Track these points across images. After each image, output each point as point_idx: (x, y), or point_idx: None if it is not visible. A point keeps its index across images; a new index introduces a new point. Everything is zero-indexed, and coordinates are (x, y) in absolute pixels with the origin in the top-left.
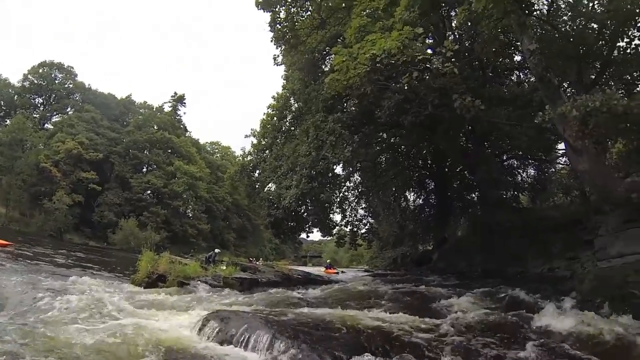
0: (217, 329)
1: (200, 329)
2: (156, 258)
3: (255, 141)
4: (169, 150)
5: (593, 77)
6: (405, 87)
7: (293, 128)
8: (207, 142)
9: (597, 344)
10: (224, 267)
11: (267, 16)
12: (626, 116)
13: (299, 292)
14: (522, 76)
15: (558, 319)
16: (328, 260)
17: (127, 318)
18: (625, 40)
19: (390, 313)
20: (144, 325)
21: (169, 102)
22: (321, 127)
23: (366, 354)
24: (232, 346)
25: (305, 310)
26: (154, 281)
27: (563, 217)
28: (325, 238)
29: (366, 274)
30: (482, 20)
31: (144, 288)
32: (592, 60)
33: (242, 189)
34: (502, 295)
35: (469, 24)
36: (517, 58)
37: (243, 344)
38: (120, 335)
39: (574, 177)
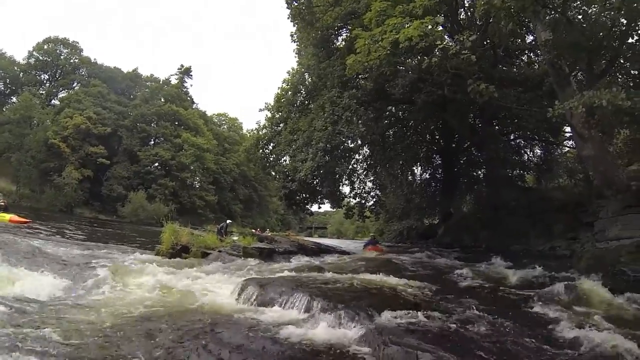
0: (255, 294)
1: (238, 294)
2: (177, 230)
3: (269, 115)
4: (176, 123)
5: (603, 67)
6: (423, 66)
7: (307, 102)
8: (214, 114)
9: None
10: (236, 238)
11: None
12: (631, 110)
13: (317, 260)
14: (533, 56)
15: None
16: (372, 234)
17: (165, 285)
18: (635, 37)
19: (404, 279)
20: (183, 292)
21: (175, 74)
22: (337, 102)
23: (393, 310)
24: (272, 307)
25: (329, 275)
26: (178, 252)
27: (566, 198)
28: (333, 209)
29: None
30: (500, 12)
31: (169, 259)
32: (603, 52)
33: (257, 161)
34: (509, 269)
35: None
36: (529, 39)
37: (282, 305)
38: (163, 301)
39: (579, 161)
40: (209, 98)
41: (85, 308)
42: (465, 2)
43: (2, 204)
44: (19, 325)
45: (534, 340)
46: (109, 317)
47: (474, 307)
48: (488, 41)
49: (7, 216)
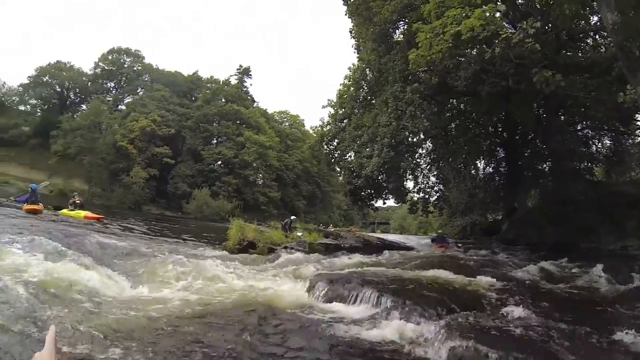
0: (325, 289)
1: (308, 290)
2: (244, 226)
3: (332, 111)
4: (238, 122)
5: None
6: (486, 57)
7: (370, 98)
8: (275, 112)
9: None
10: (300, 234)
11: None
12: None
13: (381, 257)
14: (599, 39)
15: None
16: (439, 231)
17: (236, 280)
18: None
19: (470, 277)
20: (252, 287)
21: (235, 75)
22: (400, 97)
23: (460, 308)
24: (342, 303)
25: (396, 271)
26: (245, 248)
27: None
28: (397, 205)
29: None
30: None
31: (237, 254)
32: None
33: (321, 157)
34: (577, 269)
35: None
36: (594, 19)
37: (352, 301)
38: (234, 296)
39: None
40: (265, 93)
41: (160, 302)
42: None
43: (78, 202)
44: (93, 320)
45: (595, 343)
46: (185, 310)
47: (539, 308)
48: (550, 25)
49: (82, 213)
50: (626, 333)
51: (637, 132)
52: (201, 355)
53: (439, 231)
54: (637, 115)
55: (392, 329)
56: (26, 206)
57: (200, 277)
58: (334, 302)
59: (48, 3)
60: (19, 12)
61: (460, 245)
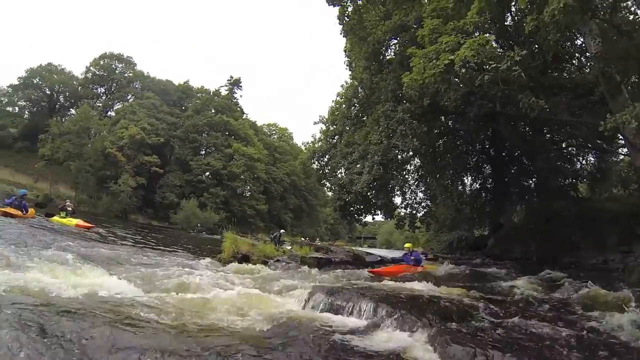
0: (322, 301)
1: (306, 302)
2: (237, 239)
3: (324, 127)
4: (227, 133)
5: None
6: (476, 84)
7: (361, 115)
8: (264, 124)
9: None
10: (289, 247)
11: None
12: None
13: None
14: (583, 60)
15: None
16: (407, 245)
17: (233, 291)
18: None
19: (457, 289)
20: (250, 299)
21: (225, 85)
22: (391, 116)
23: (451, 317)
24: (339, 315)
25: (389, 284)
26: (239, 260)
27: (620, 209)
28: (383, 220)
29: (423, 257)
30: (549, 25)
31: (232, 266)
32: None
33: (313, 173)
34: (560, 282)
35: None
36: (579, 42)
37: (349, 313)
38: (231, 307)
39: (634, 171)
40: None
41: (159, 310)
42: (514, 16)
43: (70, 209)
44: (106, 324)
45: (579, 346)
46: (184, 320)
47: (528, 316)
48: (536, 47)
49: (74, 221)
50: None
51: (619, 150)
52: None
53: (406, 245)
54: (619, 135)
55: (387, 337)
56: (1, 209)
57: (197, 288)
58: (332, 313)
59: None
60: (10, 10)
61: (445, 259)
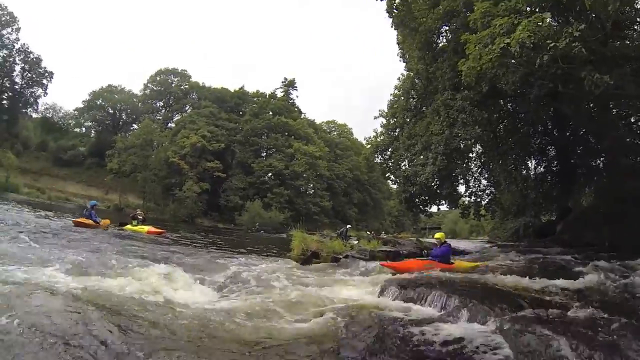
0: (396, 293)
1: (380, 294)
2: (305, 237)
3: (384, 121)
4: (287, 133)
5: None
6: (536, 66)
7: (420, 106)
8: (323, 122)
9: None
10: (356, 242)
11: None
12: None
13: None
14: None
15: None
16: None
17: (308, 288)
18: None
19: (528, 278)
20: (327, 293)
21: (280, 87)
22: (450, 105)
23: (521, 310)
24: (412, 304)
25: (458, 275)
26: (309, 258)
27: None
28: (448, 209)
29: (489, 245)
30: None
31: (302, 264)
32: None
33: (377, 167)
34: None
35: None
36: None
37: (422, 303)
38: (309, 303)
39: None
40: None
41: (240, 310)
42: None
43: (140, 217)
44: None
45: None
46: (265, 316)
47: (602, 306)
48: (594, 16)
49: (146, 228)
50: None
51: None
52: (284, 350)
53: (437, 235)
54: None
55: (460, 326)
56: (75, 219)
57: (275, 286)
58: (406, 304)
59: (92, 30)
60: (69, 39)
61: (513, 247)
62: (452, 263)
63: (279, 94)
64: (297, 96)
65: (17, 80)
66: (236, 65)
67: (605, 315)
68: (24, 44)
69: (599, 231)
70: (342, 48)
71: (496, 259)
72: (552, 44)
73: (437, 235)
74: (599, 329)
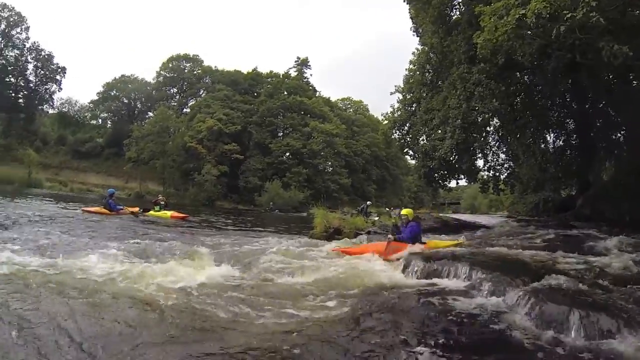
0: (420, 267)
1: (404, 268)
2: (327, 214)
3: (400, 97)
4: (303, 112)
5: None
6: (552, 37)
7: (436, 80)
8: (338, 99)
9: None
10: (376, 217)
11: None
12: None
13: (461, 235)
14: None
15: None
16: (404, 212)
17: (333, 263)
18: None
19: (549, 252)
20: (350, 269)
21: (294, 67)
22: (467, 78)
23: (543, 281)
24: (437, 278)
25: (481, 248)
26: (331, 235)
27: None
28: (466, 184)
29: (509, 219)
30: None
31: (325, 241)
32: None
33: (395, 143)
34: None
35: None
36: None
37: (446, 276)
38: (336, 278)
39: None
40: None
41: (268, 288)
42: None
43: (162, 202)
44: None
45: None
46: (292, 294)
47: (617, 278)
48: None
49: (169, 213)
50: None
51: None
52: (318, 328)
53: (404, 211)
54: None
55: (484, 298)
56: (85, 208)
57: (300, 264)
58: (430, 279)
59: (101, 22)
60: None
61: (532, 222)
62: (425, 243)
63: (293, 73)
64: (311, 74)
65: (31, 78)
66: (250, 47)
67: (624, 288)
68: (34, 42)
69: (619, 206)
70: (342, 48)
71: (515, 234)
72: (569, 14)
73: (404, 211)
74: (618, 301)
